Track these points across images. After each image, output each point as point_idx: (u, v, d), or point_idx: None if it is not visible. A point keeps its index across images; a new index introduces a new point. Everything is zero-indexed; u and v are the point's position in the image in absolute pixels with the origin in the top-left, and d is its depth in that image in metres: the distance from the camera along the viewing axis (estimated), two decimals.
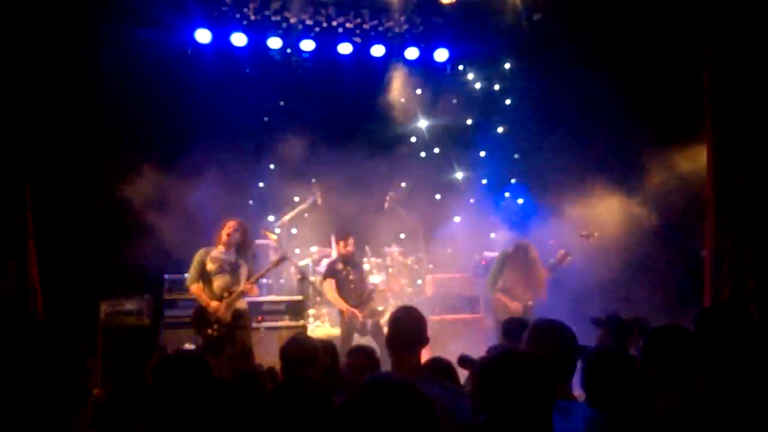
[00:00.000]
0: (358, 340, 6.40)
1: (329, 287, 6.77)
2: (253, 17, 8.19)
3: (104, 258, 7.50)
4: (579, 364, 2.64)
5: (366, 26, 8.56)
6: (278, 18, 8.22)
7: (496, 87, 9.58)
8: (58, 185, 7.23)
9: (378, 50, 8.86)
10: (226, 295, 5.84)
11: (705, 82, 6.61)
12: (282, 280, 8.38)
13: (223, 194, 7.53)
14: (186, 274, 6.13)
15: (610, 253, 7.35)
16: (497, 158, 9.46)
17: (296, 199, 8.61)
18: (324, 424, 2.30)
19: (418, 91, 9.43)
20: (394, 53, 8.96)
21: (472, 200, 9.41)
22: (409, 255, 8.72)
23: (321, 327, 8.03)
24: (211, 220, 6.28)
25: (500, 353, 2.06)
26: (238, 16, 8.17)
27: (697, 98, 6.76)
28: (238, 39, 8.31)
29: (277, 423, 2.35)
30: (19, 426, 1.66)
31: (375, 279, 8.05)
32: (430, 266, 8.87)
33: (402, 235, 8.97)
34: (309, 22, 8.35)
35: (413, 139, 9.71)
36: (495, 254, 7.41)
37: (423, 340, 3.07)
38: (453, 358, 3.43)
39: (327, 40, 8.66)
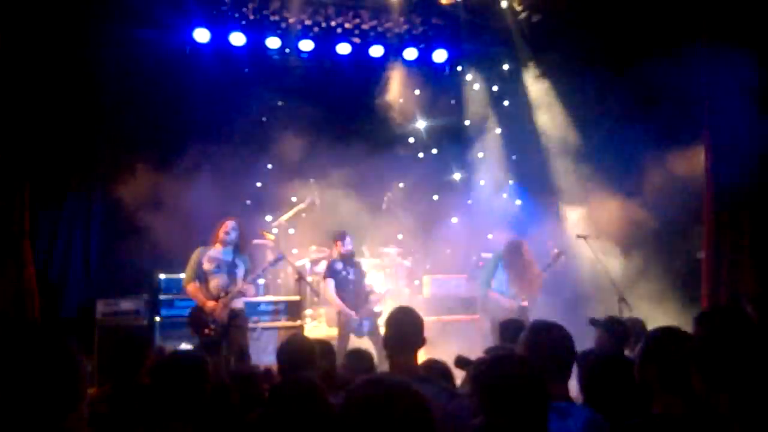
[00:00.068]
0: (354, 340, 6.39)
1: (327, 287, 6.77)
2: (251, 17, 8.19)
3: (101, 257, 7.49)
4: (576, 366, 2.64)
5: (365, 26, 8.57)
6: (277, 18, 8.22)
7: (495, 88, 9.58)
8: (56, 185, 7.22)
9: (377, 51, 8.86)
10: (222, 294, 5.82)
11: (703, 84, 6.63)
12: (279, 281, 8.38)
13: (221, 194, 7.52)
14: (182, 274, 6.12)
15: (607, 255, 7.36)
16: (495, 159, 9.46)
17: (294, 199, 8.61)
18: (321, 424, 2.29)
19: (417, 92, 9.43)
20: (393, 54, 8.96)
21: (469, 201, 9.42)
22: (406, 256, 8.72)
23: (318, 327, 8.02)
24: (209, 220, 6.27)
25: (495, 356, 2.06)
26: (236, 15, 8.16)
27: (695, 100, 6.78)
28: (237, 39, 8.30)
29: (274, 423, 2.34)
30: (16, 426, 1.66)
31: (373, 279, 8.04)
32: (428, 267, 8.87)
33: (400, 236, 8.97)
34: (308, 22, 8.35)
35: (411, 140, 9.71)
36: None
37: (420, 341, 3.07)
38: (450, 359, 3.43)
39: (326, 40, 8.66)
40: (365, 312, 6.62)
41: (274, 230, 8.13)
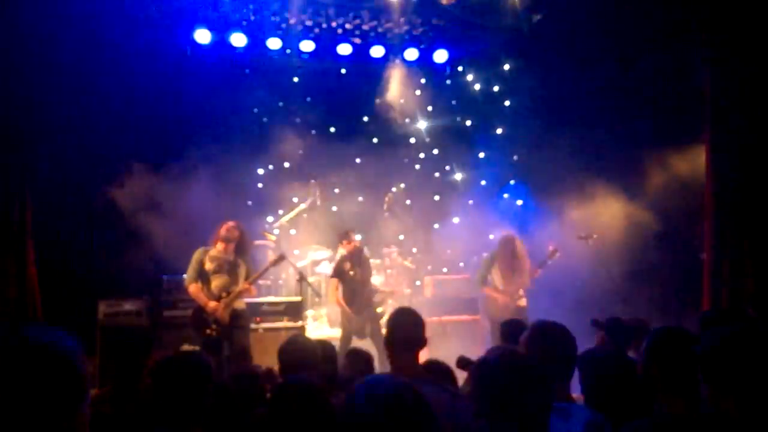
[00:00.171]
0: (356, 341, 6.39)
1: (332, 288, 6.77)
2: (252, 18, 8.19)
3: (103, 258, 7.49)
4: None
5: (365, 27, 8.57)
6: (277, 19, 8.23)
7: (496, 88, 9.59)
8: (57, 186, 7.22)
9: (377, 51, 8.86)
10: (224, 295, 5.83)
11: (704, 84, 6.62)
12: (280, 281, 8.38)
13: (222, 195, 7.53)
14: (184, 275, 6.12)
15: (609, 255, 7.35)
16: (496, 159, 9.46)
17: (295, 199, 8.61)
18: (322, 425, 2.29)
19: (418, 92, 9.44)
20: (394, 54, 8.96)
21: (470, 201, 9.41)
22: (407, 256, 8.72)
23: (319, 328, 8.02)
24: (210, 221, 6.28)
25: (497, 355, 2.05)
26: (237, 16, 8.17)
27: (696, 100, 6.77)
28: (238, 39, 8.31)
29: (275, 424, 2.34)
30: (16, 426, 1.66)
31: (375, 280, 8.04)
32: (429, 267, 8.87)
33: (401, 236, 8.97)
34: (308, 23, 8.35)
35: (412, 140, 9.71)
36: None
37: (421, 342, 3.07)
38: (451, 360, 3.43)
39: (326, 40, 8.66)
40: (368, 313, 6.62)
41: (276, 231, 8.14)
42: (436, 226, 9.33)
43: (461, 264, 9.04)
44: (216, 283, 5.87)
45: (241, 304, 5.99)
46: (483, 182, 9.65)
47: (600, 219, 7.57)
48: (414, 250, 9.04)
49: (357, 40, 8.74)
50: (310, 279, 7.98)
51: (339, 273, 6.76)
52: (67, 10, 6.95)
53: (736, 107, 6.42)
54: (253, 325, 6.52)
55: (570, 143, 8.20)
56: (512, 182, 9.53)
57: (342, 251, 6.89)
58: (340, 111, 9.18)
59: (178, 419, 2.04)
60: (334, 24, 8.42)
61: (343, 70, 9.20)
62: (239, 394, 3.18)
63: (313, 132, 9.07)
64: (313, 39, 8.58)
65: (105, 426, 3.09)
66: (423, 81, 9.43)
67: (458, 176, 9.82)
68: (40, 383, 1.70)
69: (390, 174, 9.00)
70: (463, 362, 3.26)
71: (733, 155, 6.45)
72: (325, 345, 3.70)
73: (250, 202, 8.77)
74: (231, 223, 6.05)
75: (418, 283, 8.64)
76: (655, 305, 7.01)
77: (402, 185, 9.27)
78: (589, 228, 7.26)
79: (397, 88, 9.09)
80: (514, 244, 6.72)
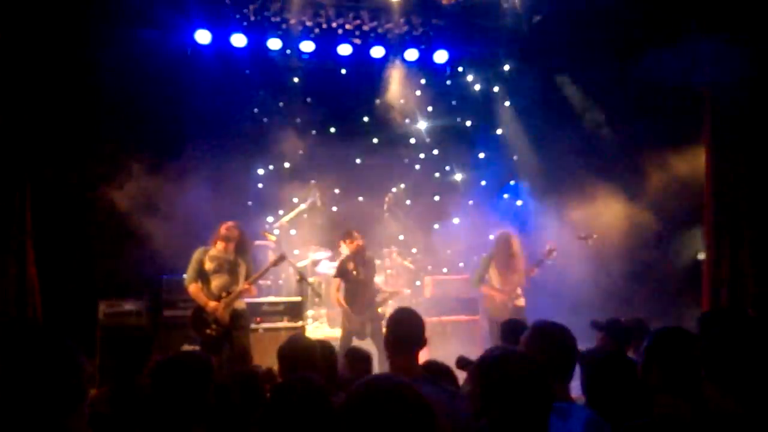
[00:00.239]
0: (357, 342, 6.39)
1: (334, 287, 6.78)
2: (253, 18, 8.20)
3: (103, 258, 7.50)
4: (578, 367, 2.64)
5: (366, 27, 8.57)
6: (278, 19, 8.23)
7: (496, 89, 9.59)
8: (58, 185, 7.23)
9: (377, 51, 8.87)
10: (224, 294, 5.82)
11: (704, 86, 6.63)
12: (281, 281, 8.38)
13: (222, 195, 7.53)
14: (184, 275, 6.12)
15: (608, 255, 7.36)
16: (496, 160, 9.47)
17: (295, 200, 8.62)
18: (322, 425, 2.30)
19: (418, 93, 9.44)
20: (394, 54, 8.96)
21: (471, 202, 9.42)
22: (407, 256, 8.72)
23: (319, 328, 8.03)
24: (210, 221, 6.28)
25: (497, 355, 2.06)
26: (238, 17, 8.17)
27: (696, 101, 6.78)
28: (238, 40, 8.32)
29: (275, 424, 2.34)
30: (17, 426, 1.66)
31: (375, 280, 8.03)
32: (429, 268, 8.87)
33: (401, 237, 8.97)
34: (309, 24, 8.35)
35: (412, 141, 9.72)
36: None
37: (421, 342, 3.07)
38: (451, 360, 3.43)
39: (327, 41, 8.67)
40: (369, 314, 6.62)
41: (276, 231, 8.14)
42: (436, 226, 9.33)
43: (461, 264, 9.04)
44: (216, 282, 5.86)
45: (241, 304, 5.99)
46: (483, 182, 9.66)
47: (600, 219, 7.57)
48: (414, 250, 9.04)
49: (357, 41, 8.74)
50: (310, 279, 7.98)
51: (342, 273, 6.75)
52: (66, 9, 6.96)
53: (735, 108, 6.42)
54: (253, 325, 6.52)
55: (569, 144, 8.21)
56: (512, 182, 9.54)
57: (345, 251, 6.88)
58: (340, 111, 9.19)
59: (180, 419, 2.04)
60: (334, 24, 8.42)
61: (344, 71, 9.20)
62: (239, 394, 3.18)
63: (313, 132, 9.08)
64: (314, 39, 8.58)
65: (104, 426, 3.10)
66: (423, 81, 9.44)
67: (458, 176, 9.83)
68: (39, 383, 1.71)
69: (390, 174, 9.00)
70: (462, 362, 3.27)
71: (733, 156, 6.45)
72: (324, 345, 3.70)
73: (250, 203, 8.78)
74: (230, 223, 6.04)
75: (417, 283, 8.64)
76: (655, 305, 7.01)
77: (402, 185, 9.27)
78: (588, 228, 7.27)
79: (397, 88, 9.10)
80: (511, 241, 6.74)
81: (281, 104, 9.02)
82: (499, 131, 9.61)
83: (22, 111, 6.41)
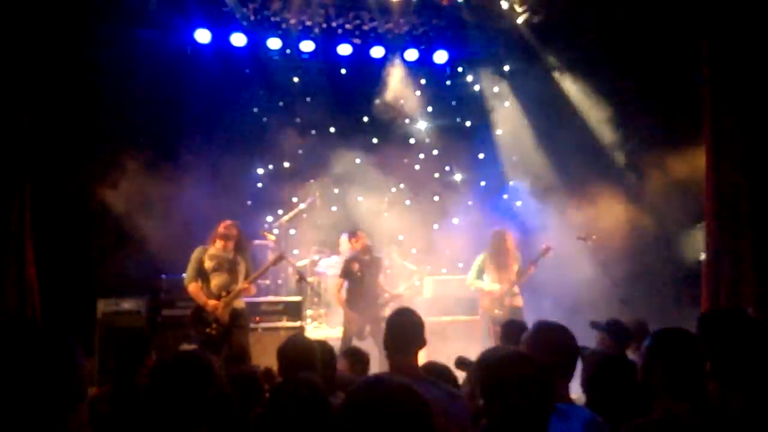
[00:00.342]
0: (357, 342, 6.38)
1: (337, 287, 6.76)
2: (252, 18, 8.20)
3: (102, 257, 7.49)
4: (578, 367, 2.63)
5: (366, 27, 8.57)
6: (278, 19, 8.23)
7: (495, 89, 9.59)
8: (57, 184, 7.22)
9: (377, 51, 8.88)
10: (224, 294, 5.82)
11: (703, 86, 6.63)
12: (280, 281, 8.38)
13: (222, 195, 7.53)
14: (183, 274, 6.12)
15: (608, 256, 7.35)
16: (496, 160, 9.47)
17: (294, 199, 8.61)
18: (321, 424, 2.29)
19: (418, 93, 9.45)
20: (394, 54, 8.97)
21: (470, 202, 9.41)
22: (407, 256, 8.72)
23: (319, 328, 8.02)
24: (210, 221, 6.27)
25: (497, 355, 2.05)
26: (238, 16, 8.17)
27: (695, 102, 6.78)
28: (238, 39, 8.32)
29: (274, 424, 2.34)
30: (16, 426, 1.66)
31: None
32: (429, 268, 8.87)
33: (400, 237, 8.97)
34: (309, 23, 8.36)
35: (412, 141, 9.72)
36: None
37: (420, 342, 3.07)
38: (451, 360, 3.43)
39: (326, 41, 8.68)
40: (371, 314, 6.61)
41: (275, 231, 8.14)
42: (436, 226, 9.33)
43: (460, 264, 9.03)
44: (216, 281, 5.86)
45: (240, 303, 5.99)
46: (482, 183, 9.66)
47: (599, 220, 7.58)
48: (413, 250, 9.04)
49: (357, 41, 8.75)
50: (310, 279, 7.98)
51: (346, 273, 6.73)
52: (66, 9, 6.95)
53: (735, 109, 6.42)
54: (252, 325, 6.52)
55: (569, 144, 8.21)
56: (511, 183, 9.54)
57: (345, 249, 6.87)
58: (340, 111, 9.19)
59: (181, 419, 2.03)
60: (334, 24, 8.42)
61: (343, 71, 9.20)
62: (238, 394, 3.18)
63: (313, 132, 9.08)
64: (314, 39, 8.59)
65: (104, 425, 3.09)
66: (423, 81, 9.44)
67: (458, 177, 9.83)
68: (39, 383, 1.70)
69: (390, 174, 9.00)
70: (461, 363, 3.27)
71: (733, 157, 6.45)
72: (324, 345, 3.70)
73: (249, 202, 8.78)
74: (229, 222, 6.05)
75: (417, 283, 8.64)
76: (654, 306, 7.00)
77: (402, 185, 9.27)
78: (588, 229, 7.27)
79: (397, 88, 9.10)
80: (505, 239, 6.76)
81: (281, 104, 9.02)
82: (498, 131, 9.60)
83: (22, 111, 6.40)
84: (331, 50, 8.80)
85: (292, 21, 8.26)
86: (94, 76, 7.41)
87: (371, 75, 9.06)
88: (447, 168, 9.81)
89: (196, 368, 2.11)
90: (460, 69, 9.63)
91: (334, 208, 9.14)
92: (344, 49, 8.80)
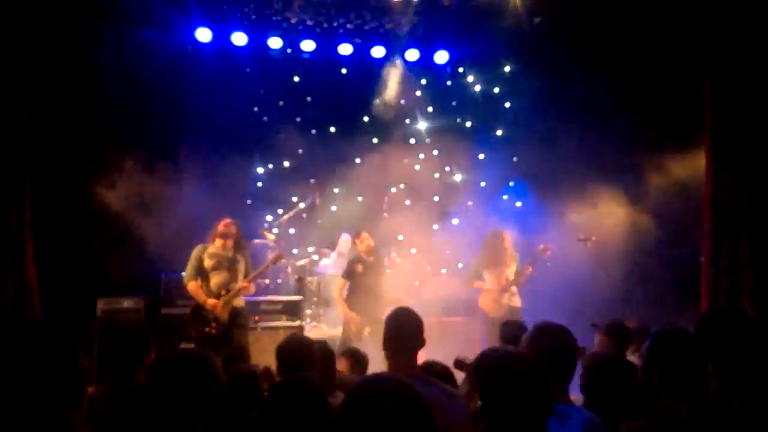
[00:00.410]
0: (356, 342, 6.37)
1: (338, 288, 6.75)
2: (253, 17, 8.20)
3: (102, 256, 7.49)
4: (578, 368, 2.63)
5: (367, 27, 8.57)
6: (279, 18, 8.23)
7: (496, 89, 9.59)
8: (57, 184, 7.22)
9: (378, 51, 8.88)
10: (223, 292, 5.82)
11: (704, 89, 6.63)
12: (279, 280, 8.38)
13: (222, 194, 7.53)
14: (183, 273, 6.12)
15: (608, 257, 7.35)
16: (496, 161, 9.46)
17: (295, 199, 8.61)
18: (319, 424, 2.29)
19: (418, 93, 9.44)
20: (395, 54, 8.97)
21: (470, 202, 9.41)
22: (406, 257, 8.71)
23: (318, 327, 8.02)
24: (209, 220, 6.28)
25: (496, 356, 2.05)
26: (238, 15, 8.17)
27: (696, 104, 6.78)
28: (239, 38, 8.32)
29: (273, 423, 2.34)
30: (16, 425, 1.66)
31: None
32: (428, 268, 8.86)
33: (400, 237, 8.97)
34: (310, 23, 8.36)
35: (412, 141, 9.71)
36: None
37: (420, 342, 3.07)
38: (450, 361, 3.43)
39: (327, 40, 8.68)
40: (372, 318, 6.60)
41: (275, 230, 8.13)
42: (436, 227, 9.32)
43: (460, 265, 9.03)
44: (215, 280, 5.86)
45: (240, 302, 5.99)
46: (483, 183, 9.65)
47: (599, 221, 7.57)
48: (413, 250, 9.03)
49: (358, 40, 8.75)
50: (309, 278, 7.98)
51: (349, 274, 6.71)
52: (66, 9, 6.94)
53: (735, 112, 6.42)
54: (251, 324, 6.52)
55: (570, 145, 8.21)
56: (512, 183, 9.54)
57: (344, 249, 6.87)
58: (340, 111, 9.19)
59: (181, 417, 2.03)
60: (335, 24, 8.42)
61: (344, 70, 9.20)
62: (237, 393, 3.18)
63: (313, 131, 9.08)
64: (314, 38, 8.59)
65: (103, 424, 3.09)
66: (423, 82, 9.44)
67: (458, 177, 9.82)
68: (39, 382, 1.70)
69: (390, 174, 8.99)
70: (460, 363, 3.27)
71: (733, 158, 6.45)
72: (323, 345, 3.70)
73: (249, 201, 8.77)
74: (228, 220, 6.05)
75: (416, 283, 8.64)
76: (654, 307, 7.00)
77: (401, 186, 9.26)
78: (588, 230, 7.27)
79: (397, 88, 9.09)
80: (502, 238, 6.77)
81: (281, 103, 9.01)
82: (499, 132, 9.60)
83: (22, 110, 6.40)
84: (332, 50, 8.80)
85: (293, 20, 8.25)
86: (94, 75, 7.41)
87: (372, 75, 9.06)
88: (447, 168, 9.79)
89: (196, 366, 2.11)
90: (460, 69, 9.62)
91: (333, 208, 9.13)
92: (345, 49, 8.80)
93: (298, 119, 9.01)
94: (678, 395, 2.14)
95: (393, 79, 9.01)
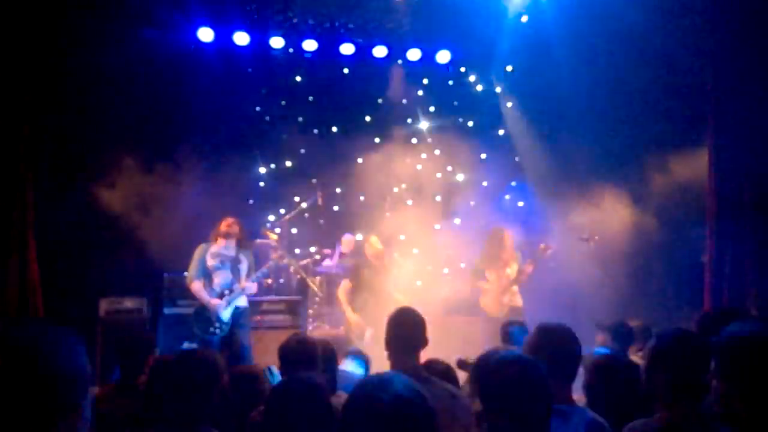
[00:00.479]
0: (357, 343, 6.37)
1: (342, 289, 6.74)
2: (255, 17, 8.20)
3: (104, 255, 7.50)
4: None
5: (368, 27, 8.57)
6: (281, 18, 8.23)
7: (498, 89, 9.58)
8: (59, 183, 7.23)
9: (380, 51, 8.87)
10: (226, 292, 5.82)
11: (707, 88, 6.62)
12: (281, 280, 8.38)
13: (223, 193, 7.53)
14: (185, 272, 6.12)
15: (610, 257, 7.34)
16: (498, 160, 9.45)
17: (297, 199, 8.61)
18: (321, 424, 2.29)
19: (420, 93, 9.44)
20: (396, 54, 8.96)
21: (472, 202, 9.40)
22: (408, 256, 8.70)
23: (320, 327, 8.02)
24: (212, 219, 6.28)
25: (497, 357, 2.05)
26: (240, 15, 8.18)
27: (699, 103, 6.77)
28: (241, 38, 8.32)
29: (276, 423, 2.34)
30: (16, 425, 1.66)
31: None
32: (430, 268, 8.86)
33: (402, 237, 8.96)
34: (311, 22, 8.36)
35: (414, 140, 9.70)
36: None
37: (422, 342, 3.07)
38: (452, 360, 3.43)
39: (329, 40, 8.67)
40: (373, 320, 6.59)
41: (277, 230, 8.14)
42: (438, 226, 9.32)
43: (462, 265, 9.03)
44: (218, 279, 5.86)
45: (243, 301, 5.99)
46: (485, 183, 9.64)
47: (602, 220, 7.56)
48: (415, 250, 9.02)
49: (360, 40, 8.75)
50: (311, 278, 7.97)
51: (353, 276, 6.71)
52: (67, 9, 6.95)
53: (738, 111, 6.41)
54: (253, 324, 6.52)
55: (572, 145, 8.20)
56: (514, 183, 9.53)
57: (346, 249, 6.86)
58: (342, 110, 9.18)
59: (188, 417, 2.03)
60: (337, 23, 8.42)
61: (346, 70, 9.19)
62: (239, 393, 3.18)
63: (315, 131, 9.08)
64: (316, 38, 8.59)
65: (106, 424, 3.10)
66: (425, 81, 9.43)
67: (460, 177, 9.81)
68: (39, 382, 1.70)
69: (391, 174, 8.99)
70: (463, 363, 3.27)
71: (735, 157, 6.44)
72: (325, 344, 3.70)
73: (251, 201, 8.78)
74: (231, 219, 6.05)
75: (419, 283, 8.63)
76: (657, 307, 7.00)
77: (403, 185, 9.26)
78: (591, 229, 7.26)
79: (399, 88, 9.09)
80: (502, 236, 6.77)
81: (283, 103, 9.01)
82: (501, 132, 9.59)
83: (24, 109, 6.41)
84: (334, 49, 8.80)
85: (295, 20, 8.25)
86: (96, 75, 7.41)
87: (374, 74, 9.06)
88: (449, 168, 9.79)
89: (203, 366, 2.11)
90: (462, 69, 9.62)
91: (336, 208, 9.13)
92: (347, 49, 8.80)
93: (300, 119, 9.01)
94: (681, 395, 2.14)
95: (395, 78, 9.00)
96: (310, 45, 8.63)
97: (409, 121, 9.57)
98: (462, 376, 3.51)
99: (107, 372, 6.16)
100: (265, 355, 6.02)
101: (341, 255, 8.20)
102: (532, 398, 1.89)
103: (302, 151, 8.96)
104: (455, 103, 9.67)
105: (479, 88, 9.68)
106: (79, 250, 7.38)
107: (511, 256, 6.81)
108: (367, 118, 9.38)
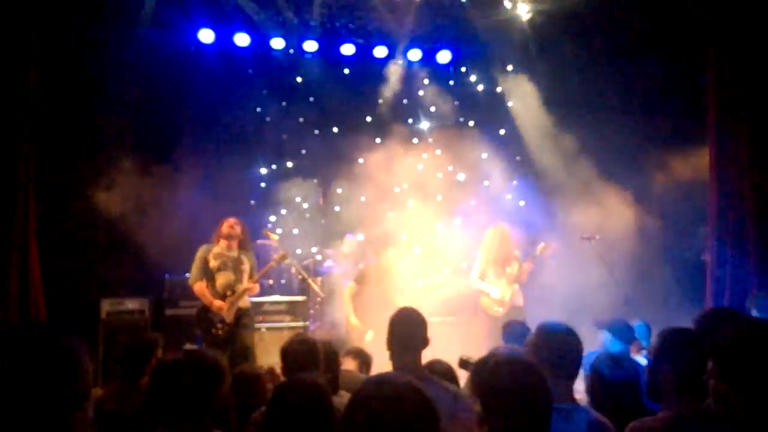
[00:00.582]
0: (358, 343, 6.37)
1: (348, 291, 6.73)
2: (256, 17, 8.20)
3: (106, 257, 7.51)
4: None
5: (369, 27, 8.57)
6: (281, 18, 8.24)
7: (499, 89, 9.58)
8: (61, 184, 7.24)
9: (381, 51, 8.88)
10: (228, 293, 5.82)
11: (708, 86, 6.62)
12: (283, 281, 8.38)
13: (225, 194, 7.54)
14: (188, 273, 6.12)
15: (612, 257, 7.33)
16: (499, 160, 9.45)
17: (298, 199, 8.61)
18: (324, 424, 2.30)
19: (421, 93, 9.44)
20: (397, 54, 8.96)
21: (473, 202, 9.40)
22: (409, 256, 8.69)
23: (322, 327, 8.01)
24: (213, 220, 6.28)
25: (494, 361, 2.05)
26: (241, 16, 8.18)
27: (700, 101, 6.77)
28: (241, 39, 8.32)
29: (278, 423, 2.35)
30: (20, 425, 1.66)
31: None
32: (431, 268, 8.86)
33: (403, 237, 8.96)
34: (312, 23, 8.36)
35: (415, 140, 9.71)
36: None
37: (423, 342, 3.07)
38: (453, 360, 3.43)
39: (330, 40, 8.68)
40: (375, 323, 6.58)
41: (278, 230, 8.14)
42: (439, 226, 9.32)
43: (463, 264, 9.03)
44: (221, 281, 5.86)
45: (245, 302, 5.98)
46: (486, 182, 9.64)
47: (604, 220, 7.55)
48: (416, 250, 9.02)
49: (360, 40, 8.75)
50: (312, 278, 7.97)
51: (359, 279, 6.69)
52: (67, 9, 6.96)
53: (739, 110, 6.41)
54: (255, 325, 6.52)
55: (573, 144, 8.20)
56: (515, 183, 9.53)
57: (347, 249, 6.85)
58: (342, 111, 9.18)
59: (191, 418, 2.03)
60: (337, 24, 8.42)
61: (347, 70, 9.20)
62: (242, 393, 3.19)
63: (316, 132, 9.08)
64: (317, 39, 8.59)
65: (109, 425, 3.10)
66: (426, 81, 9.43)
67: (461, 176, 9.81)
68: (43, 382, 1.71)
69: (392, 174, 8.99)
70: (464, 362, 3.27)
71: (737, 158, 6.44)
72: (327, 345, 3.70)
73: (252, 201, 8.78)
74: (232, 220, 6.04)
75: (420, 282, 8.63)
76: (658, 306, 6.99)
77: (405, 185, 9.26)
78: (592, 229, 7.25)
79: (400, 88, 9.10)
80: (502, 234, 6.76)
81: (284, 103, 9.02)
82: (502, 131, 9.59)
83: (26, 111, 6.41)
84: (335, 50, 8.81)
85: (296, 21, 8.26)
86: (97, 76, 7.42)
87: (374, 74, 9.06)
88: (450, 168, 9.78)
89: (205, 367, 2.11)
90: (463, 68, 9.62)
91: (337, 208, 9.14)
92: (347, 49, 8.80)
93: (301, 119, 9.01)
94: (685, 394, 2.14)
95: (396, 78, 9.00)
96: (310, 45, 8.64)
97: (410, 121, 9.57)
98: (464, 375, 3.50)
99: (108, 373, 6.18)
100: (267, 356, 6.04)
101: (344, 256, 8.20)
102: (531, 400, 1.89)
103: (303, 151, 8.96)
104: (456, 102, 9.67)
105: (480, 87, 9.68)
106: (81, 252, 7.39)
107: (511, 255, 6.82)
108: (368, 118, 9.38)
